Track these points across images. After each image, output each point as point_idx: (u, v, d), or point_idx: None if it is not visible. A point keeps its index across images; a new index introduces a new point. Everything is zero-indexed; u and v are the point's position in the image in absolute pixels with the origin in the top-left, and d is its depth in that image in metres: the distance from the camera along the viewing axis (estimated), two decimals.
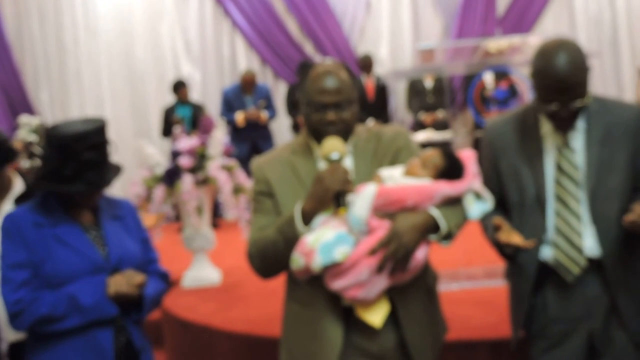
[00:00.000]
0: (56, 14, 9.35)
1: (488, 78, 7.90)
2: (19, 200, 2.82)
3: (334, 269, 2.11)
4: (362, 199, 2.12)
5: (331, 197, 2.14)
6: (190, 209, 4.85)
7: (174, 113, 8.39)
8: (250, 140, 8.36)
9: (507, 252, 2.38)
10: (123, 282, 2.40)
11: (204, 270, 5.19)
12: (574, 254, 2.32)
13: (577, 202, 2.34)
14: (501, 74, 8.01)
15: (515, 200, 2.44)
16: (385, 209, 2.13)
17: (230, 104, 8.46)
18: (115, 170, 2.48)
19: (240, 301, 4.66)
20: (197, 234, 5.06)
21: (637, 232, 2.23)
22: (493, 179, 2.48)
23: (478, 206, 2.23)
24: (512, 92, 7.97)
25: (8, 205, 2.83)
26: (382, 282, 2.12)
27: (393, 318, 2.23)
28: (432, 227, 2.14)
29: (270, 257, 2.25)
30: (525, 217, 2.41)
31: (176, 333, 4.50)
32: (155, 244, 2.79)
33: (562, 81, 2.20)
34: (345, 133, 2.27)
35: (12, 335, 2.81)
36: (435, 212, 2.14)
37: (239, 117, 8.32)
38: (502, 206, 2.49)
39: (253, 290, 4.84)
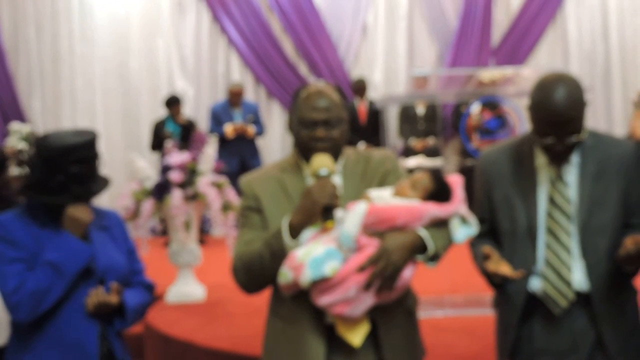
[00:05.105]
0: (53, 22, 9.35)
1: (475, 109, 7.95)
2: None
3: (322, 284, 2.10)
4: (353, 216, 2.13)
5: (319, 210, 2.15)
6: (178, 224, 4.84)
7: (165, 127, 8.33)
8: (238, 156, 8.31)
9: (496, 281, 2.39)
10: (100, 291, 2.40)
11: (189, 286, 5.17)
12: (563, 287, 2.33)
13: (568, 235, 2.34)
14: (493, 104, 8.07)
15: (507, 230, 2.44)
16: (375, 228, 2.14)
17: (218, 118, 8.43)
18: (103, 183, 2.50)
19: (223, 318, 4.63)
20: (184, 249, 5.04)
21: (627, 266, 2.25)
22: (485, 207, 2.49)
23: (464, 230, 2.25)
24: (503, 122, 8.03)
25: None
26: (368, 300, 2.12)
27: (373, 339, 2.23)
28: (420, 247, 2.16)
29: (256, 271, 2.24)
30: (516, 247, 2.41)
31: (158, 348, 4.46)
32: (141, 258, 2.78)
33: (559, 115, 2.21)
34: (333, 151, 2.29)
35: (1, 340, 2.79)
36: (424, 233, 2.16)
37: (228, 128, 8.28)
38: (494, 235, 2.49)
39: (237, 308, 4.82)
